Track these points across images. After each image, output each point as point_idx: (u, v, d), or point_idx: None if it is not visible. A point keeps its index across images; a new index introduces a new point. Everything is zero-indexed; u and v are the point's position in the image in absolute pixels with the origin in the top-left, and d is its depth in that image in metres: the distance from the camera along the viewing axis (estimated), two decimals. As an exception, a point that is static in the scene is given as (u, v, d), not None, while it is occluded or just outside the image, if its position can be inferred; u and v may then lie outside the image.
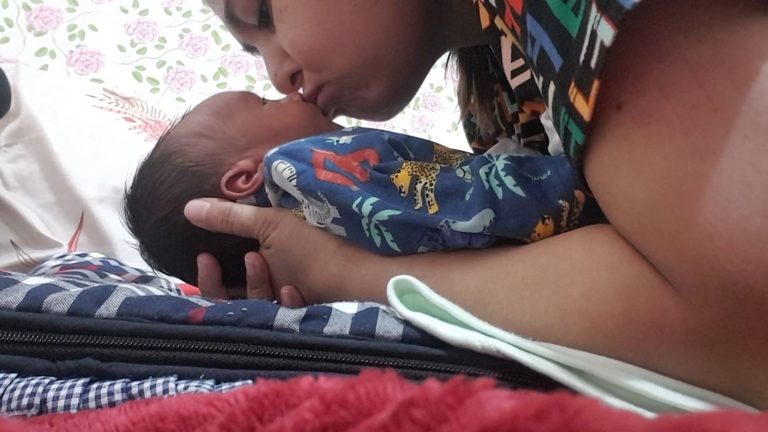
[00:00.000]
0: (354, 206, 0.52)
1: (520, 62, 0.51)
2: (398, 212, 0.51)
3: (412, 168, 0.54)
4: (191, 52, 1.51)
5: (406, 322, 0.42)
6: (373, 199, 0.52)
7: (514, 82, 0.53)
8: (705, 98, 0.35)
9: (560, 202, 0.49)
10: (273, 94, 0.72)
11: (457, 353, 0.40)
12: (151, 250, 0.66)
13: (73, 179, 0.90)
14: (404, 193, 0.53)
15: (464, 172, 0.55)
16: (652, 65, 0.37)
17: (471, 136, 0.88)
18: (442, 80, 1.82)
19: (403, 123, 1.69)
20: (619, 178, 0.39)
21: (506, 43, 0.50)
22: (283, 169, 0.55)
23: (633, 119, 0.38)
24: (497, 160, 0.53)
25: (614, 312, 0.40)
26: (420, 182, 0.53)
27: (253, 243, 0.61)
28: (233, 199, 0.62)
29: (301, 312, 0.42)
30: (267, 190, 0.60)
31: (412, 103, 1.71)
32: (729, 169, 0.34)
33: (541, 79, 0.43)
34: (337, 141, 0.58)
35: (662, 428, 0.23)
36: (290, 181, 0.54)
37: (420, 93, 1.77)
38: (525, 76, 0.51)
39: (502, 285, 0.47)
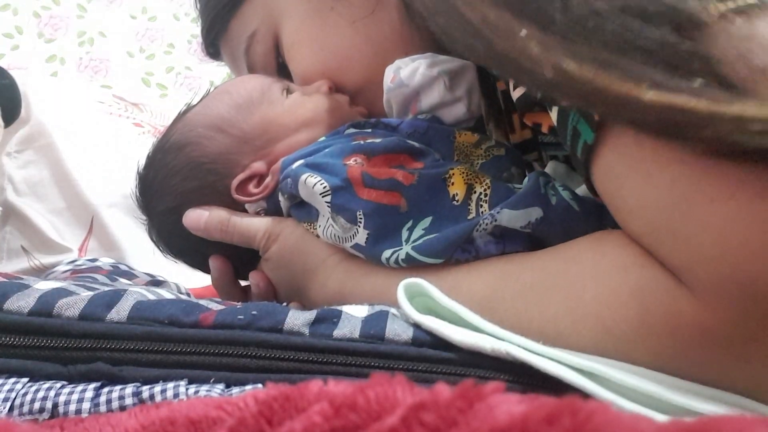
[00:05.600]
0: (405, 230, 0.50)
1: None
2: (436, 235, 0.49)
3: (465, 175, 0.52)
4: (200, 57, 1.52)
5: (416, 325, 0.42)
6: (426, 222, 0.50)
7: (515, 94, 0.52)
8: None
9: (610, 228, 0.48)
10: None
11: (467, 356, 0.39)
12: (159, 232, 0.66)
13: (82, 185, 0.90)
14: (458, 201, 0.51)
15: (513, 187, 0.54)
16: None
17: None
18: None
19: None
20: (629, 180, 0.39)
21: None
22: (314, 183, 0.52)
23: None
24: (557, 183, 0.52)
25: (628, 315, 0.40)
26: (475, 192, 0.51)
27: None
28: (242, 204, 0.62)
29: (311, 315, 0.41)
30: (280, 198, 0.58)
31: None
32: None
33: None
34: (364, 141, 0.56)
35: (674, 432, 0.23)
36: (323, 196, 0.52)
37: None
38: (517, 93, 0.51)
39: (510, 293, 0.46)
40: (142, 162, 0.67)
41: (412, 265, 0.50)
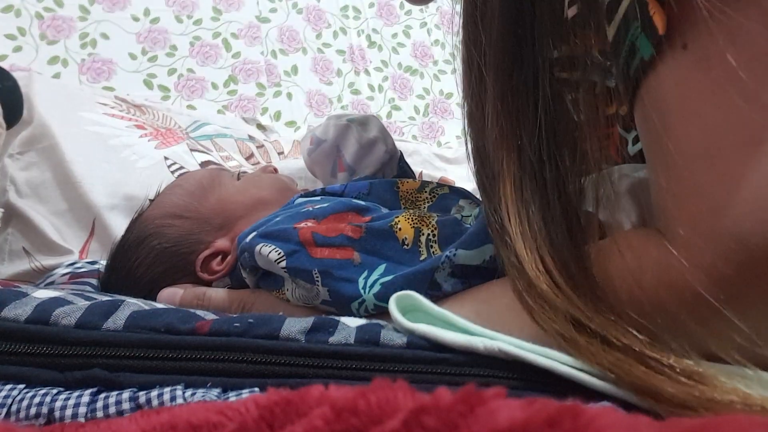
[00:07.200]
0: (361, 279, 0.51)
1: None
2: (392, 278, 0.51)
3: (411, 220, 0.54)
4: (202, 59, 1.52)
5: (410, 333, 0.42)
6: (380, 269, 0.51)
7: (569, 12, 0.52)
8: None
9: None
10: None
11: (461, 356, 0.40)
12: None
13: (84, 187, 0.90)
14: (408, 245, 0.53)
15: (462, 216, 0.55)
16: (724, 7, 0.36)
17: None
18: (453, 87, 1.82)
19: (412, 130, 1.69)
20: (670, 126, 0.39)
21: None
22: (269, 252, 0.54)
23: (695, 62, 0.37)
24: None
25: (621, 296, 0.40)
26: (423, 234, 0.53)
27: None
28: (208, 281, 0.62)
29: (308, 324, 0.42)
30: (243, 274, 0.59)
31: (421, 109, 1.71)
32: None
33: None
34: (312, 207, 0.57)
35: (675, 435, 0.23)
36: (278, 263, 0.53)
37: (430, 100, 1.77)
38: (572, 12, 0.51)
39: (497, 309, 0.47)
40: (103, 268, 0.68)
41: (382, 312, 0.51)
